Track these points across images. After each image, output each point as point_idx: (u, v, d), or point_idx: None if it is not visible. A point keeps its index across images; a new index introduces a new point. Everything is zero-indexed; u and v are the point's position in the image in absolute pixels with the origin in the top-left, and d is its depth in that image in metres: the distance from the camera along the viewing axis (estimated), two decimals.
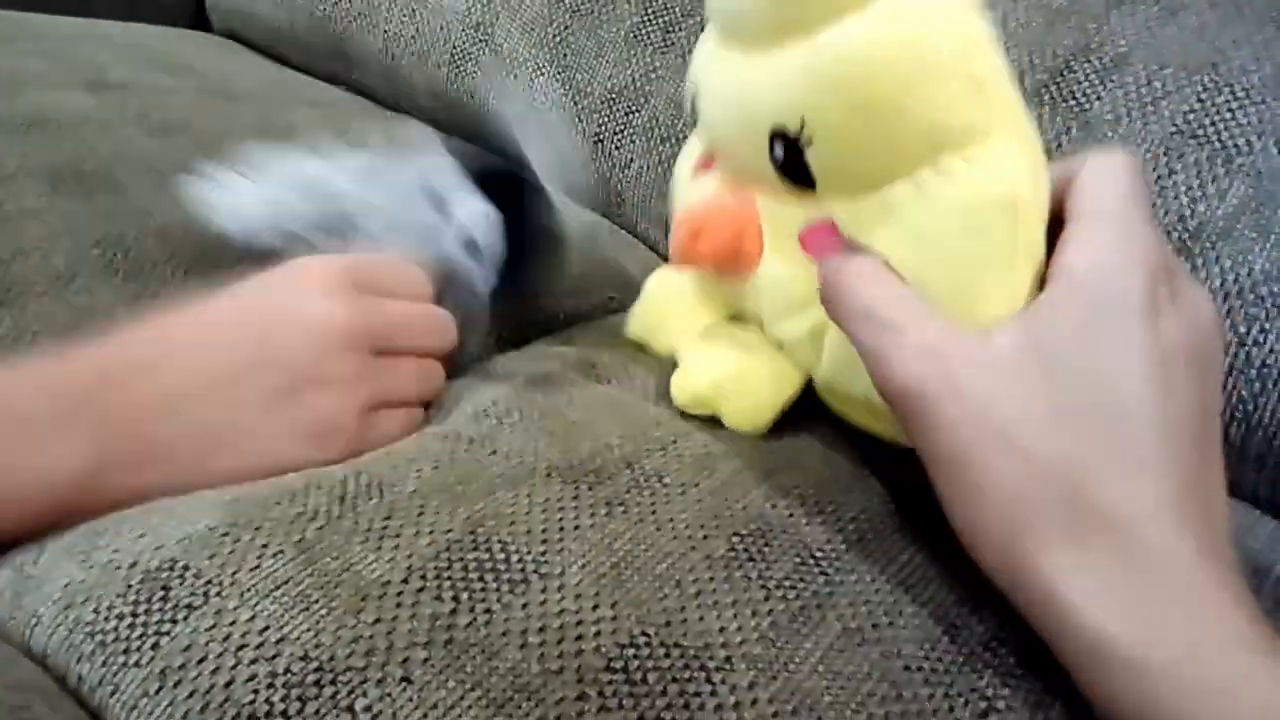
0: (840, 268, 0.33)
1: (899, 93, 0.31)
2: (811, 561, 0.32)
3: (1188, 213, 0.43)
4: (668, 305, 0.45)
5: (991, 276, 0.31)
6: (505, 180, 0.46)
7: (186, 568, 0.30)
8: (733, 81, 0.36)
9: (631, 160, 0.67)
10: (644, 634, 0.29)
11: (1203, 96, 0.44)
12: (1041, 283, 0.31)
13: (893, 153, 0.32)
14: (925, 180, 0.31)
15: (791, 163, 0.34)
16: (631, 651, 0.28)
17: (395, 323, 0.40)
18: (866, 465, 0.38)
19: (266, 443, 0.36)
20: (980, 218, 0.31)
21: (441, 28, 0.76)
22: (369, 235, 0.43)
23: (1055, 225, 0.32)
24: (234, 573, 0.30)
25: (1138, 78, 0.46)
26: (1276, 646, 0.25)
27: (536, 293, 0.47)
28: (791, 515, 0.34)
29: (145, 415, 0.35)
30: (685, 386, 0.40)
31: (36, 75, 0.59)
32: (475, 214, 0.44)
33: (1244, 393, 0.42)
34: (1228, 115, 0.44)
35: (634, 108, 0.67)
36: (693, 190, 0.41)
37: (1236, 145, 0.43)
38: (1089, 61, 0.48)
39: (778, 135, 0.34)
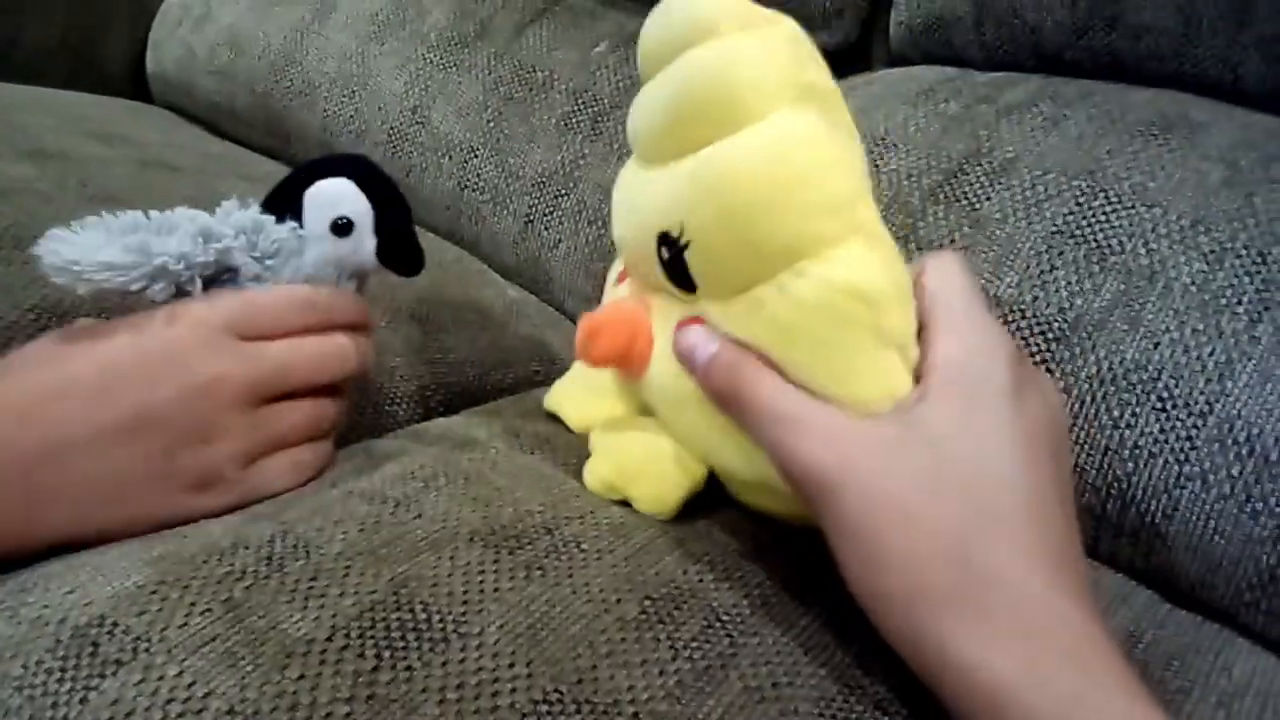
0: (722, 362, 0.36)
1: (759, 204, 0.34)
2: (718, 624, 0.35)
3: (1067, 305, 0.47)
4: (585, 390, 0.48)
5: (861, 363, 0.34)
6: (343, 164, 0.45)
7: (115, 624, 0.31)
8: (633, 192, 0.41)
9: (560, 241, 0.70)
10: (556, 691, 0.31)
11: (1080, 200, 0.49)
12: (916, 375, 0.35)
13: (757, 257, 0.35)
14: (785, 281, 0.34)
15: (675, 265, 0.38)
16: (545, 708, 0.30)
17: (281, 366, 0.40)
18: (771, 539, 0.40)
19: (151, 496, 0.37)
20: (838, 310, 0.34)
21: (379, 109, 0.79)
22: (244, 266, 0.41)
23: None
24: (162, 629, 0.31)
25: (1023, 181, 0.50)
26: (1155, 693, 0.28)
27: (415, 250, 0.46)
28: (701, 580, 0.37)
29: (32, 465, 0.36)
30: (596, 473, 0.42)
31: None
32: (326, 194, 0.43)
33: (1118, 471, 0.46)
34: (1103, 218, 0.48)
35: (563, 191, 0.70)
36: (611, 298, 0.45)
37: (1110, 245, 0.47)
38: (980, 165, 0.52)
39: (663, 239, 0.38)
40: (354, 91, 0.80)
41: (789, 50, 0.37)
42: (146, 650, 0.30)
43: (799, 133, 0.35)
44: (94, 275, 0.37)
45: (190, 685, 0.29)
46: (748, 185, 0.34)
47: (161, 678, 0.29)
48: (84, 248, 0.38)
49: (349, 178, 0.43)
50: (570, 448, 0.45)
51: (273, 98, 0.85)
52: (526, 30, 0.77)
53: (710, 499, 0.42)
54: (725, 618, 0.35)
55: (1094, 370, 0.46)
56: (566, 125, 0.72)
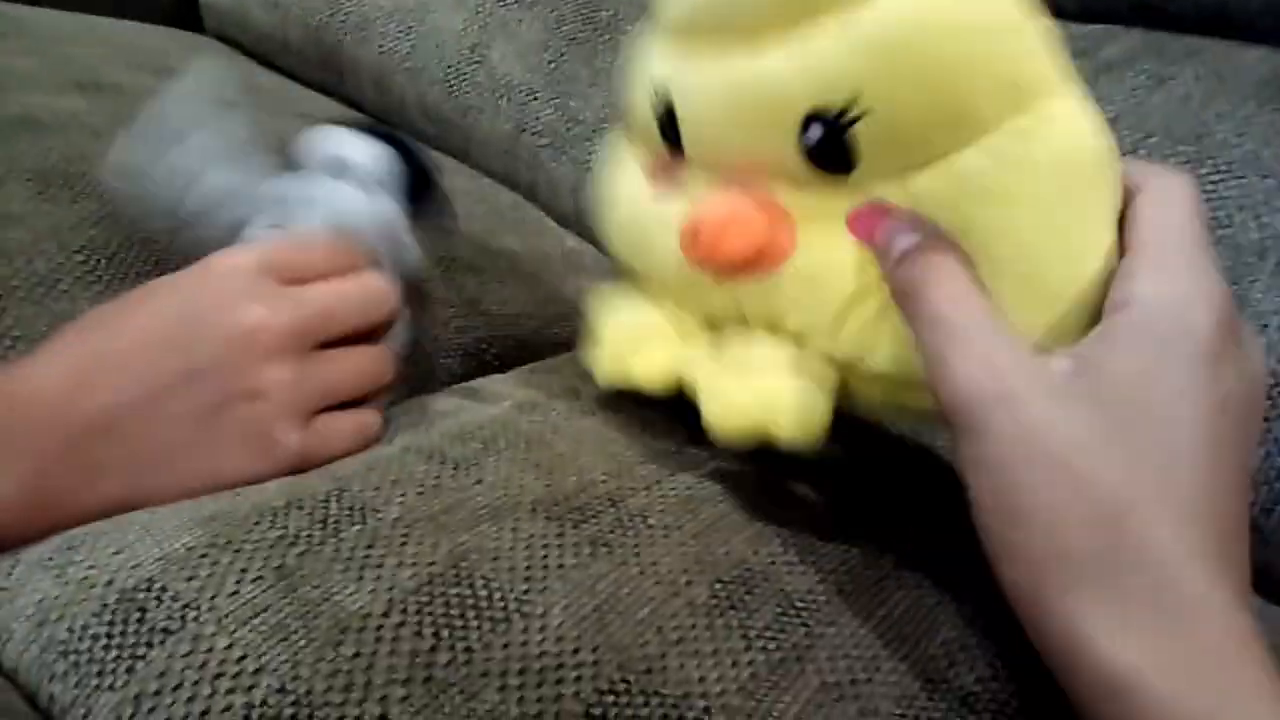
0: (914, 256, 0.31)
1: (967, 54, 0.30)
2: (793, 612, 0.33)
3: None
4: (646, 339, 0.43)
5: (1095, 236, 0.31)
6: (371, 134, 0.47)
7: (164, 589, 0.30)
8: (735, 77, 0.35)
9: None
10: (624, 680, 0.29)
11: (1186, 167, 0.45)
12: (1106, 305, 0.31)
13: (963, 117, 0.31)
14: (1000, 145, 0.31)
15: (828, 145, 0.33)
16: (611, 698, 0.28)
17: (326, 309, 0.39)
18: (846, 519, 0.38)
19: (205, 459, 0.36)
20: (1080, 175, 0.30)
21: (437, 46, 0.76)
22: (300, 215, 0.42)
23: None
24: (212, 597, 0.30)
25: (1124, 145, 0.47)
26: None
27: (453, 217, 0.47)
28: (773, 563, 0.35)
29: (81, 436, 0.34)
30: (737, 411, 0.37)
31: (27, 75, 0.58)
32: (367, 153, 0.44)
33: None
34: (1210, 187, 0.45)
35: None
36: (660, 200, 0.40)
37: (1218, 217, 0.44)
38: None
39: (813, 119, 0.33)
40: (410, 27, 0.78)
41: None
42: (195, 619, 0.29)
43: None
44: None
45: (241, 659, 0.28)
46: (951, 32, 0.30)
47: (210, 650, 0.28)
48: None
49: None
50: (633, 408, 0.43)
51: (327, 31, 0.82)
52: None
53: (777, 465, 0.39)
54: (800, 604, 0.33)
55: (1249, 325, 0.43)
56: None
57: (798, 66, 0.33)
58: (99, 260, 0.45)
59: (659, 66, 0.39)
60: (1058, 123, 0.30)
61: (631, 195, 0.42)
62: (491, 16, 0.75)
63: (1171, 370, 0.29)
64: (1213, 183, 0.45)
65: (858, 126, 0.32)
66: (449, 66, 0.76)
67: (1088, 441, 0.28)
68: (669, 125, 0.39)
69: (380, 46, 0.79)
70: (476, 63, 0.74)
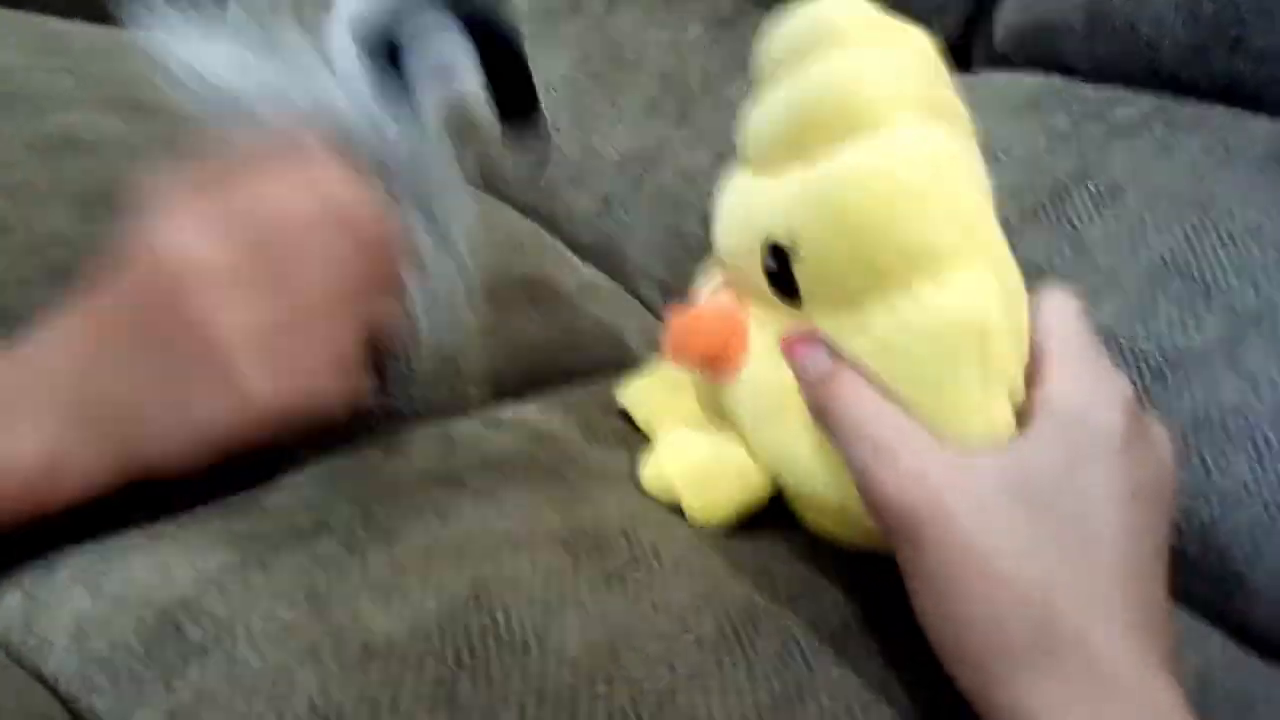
0: (827, 376, 0.34)
1: (877, 217, 0.33)
2: (796, 649, 0.34)
3: (1166, 342, 0.45)
4: (659, 389, 0.47)
5: (965, 399, 0.32)
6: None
7: (199, 608, 0.31)
8: (743, 198, 0.40)
9: (637, 224, 0.69)
10: (636, 713, 0.30)
11: (1190, 233, 0.47)
12: (1019, 412, 0.33)
13: (869, 272, 0.33)
14: (898, 303, 0.33)
15: (781, 274, 0.37)
16: None
17: (259, 212, 0.35)
18: (844, 565, 0.40)
19: (177, 405, 0.35)
20: (948, 342, 0.32)
21: None
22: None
23: None
24: (246, 617, 0.31)
25: (1130, 208, 0.49)
26: None
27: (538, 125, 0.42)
28: (777, 600, 0.36)
29: (75, 398, 0.34)
30: (655, 472, 0.41)
31: (66, 94, 0.60)
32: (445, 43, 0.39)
33: (1205, 516, 0.44)
34: (1212, 254, 0.46)
35: (644, 173, 0.70)
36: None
37: (1218, 283, 0.46)
38: (1085, 187, 0.50)
39: (771, 247, 0.37)
40: None
41: (918, 64, 0.35)
42: (230, 638, 0.30)
43: (924, 144, 0.34)
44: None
45: (273, 680, 0.29)
46: (867, 194, 0.33)
47: (244, 669, 0.29)
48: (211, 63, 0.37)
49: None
50: (647, 444, 0.45)
51: None
52: (619, 7, 0.75)
53: (778, 517, 0.40)
54: (803, 643, 0.35)
55: (1189, 410, 0.45)
56: (653, 108, 0.71)
57: (768, 201, 0.37)
58: None
59: (724, 186, 0.43)
60: (950, 292, 0.32)
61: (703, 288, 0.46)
62: None
63: (1087, 462, 0.31)
64: (1214, 249, 0.46)
65: (796, 264, 0.36)
66: None
67: (1015, 542, 0.30)
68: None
69: None
70: None
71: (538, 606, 0.33)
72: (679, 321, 0.41)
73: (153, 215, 0.35)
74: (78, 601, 0.32)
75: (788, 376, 0.36)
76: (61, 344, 0.35)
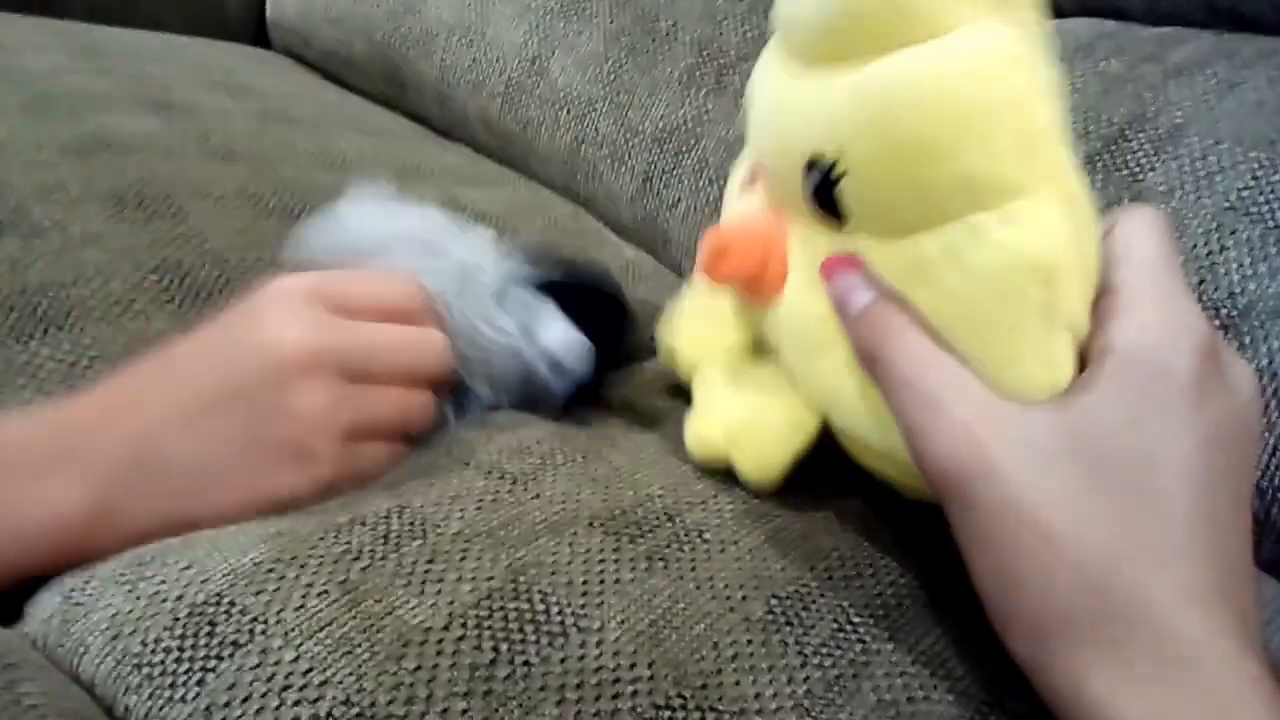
0: (871, 313, 0.32)
1: (936, 139, 0.30)
2: (849, 628, 0.33)
3: (1238, 290, 0.43)
4: (695, 323, 0.45)
5: (1026, 344, 0.30)
6: (587, 293, 0.46)
7: (233, 604, 0.31)
8: (780, 101, 0.35)
9: (679, 200, 0.68)
10: (680, 695, 0.29)
11: (1258, 174, 0.44)
12: (1082, 355, 0.30)
13: (923, 201, 0.31)
14: (956, 240, 0.30)
15: (824, 193, 0.33)
16: (667, 714, 0.29)
17: (369, 343, 0.39)
18: (901, 530, 0.38)
19: (245, 476, 0.36)
20: (1012, 283, 0.30)
21: (498, 59, 0.77)
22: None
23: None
24: (279, 611, 0.31)
25: (1193, 151, 0.46)
26: None
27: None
28: (830, 578, 0.34)
29: (134, 452, 0.35)
30: (700, 435, 0.39)
31: (102, 95, 0.60)
32: (564, 340, 0.43)
33: (1277, 477, 0.42)
34: None
35: (684, 148, 0.68)
36: (737, 206, 0.41)
37: None
38: (1144, 131, 0.48)
39: (813, 163, 0.33)
40: (472, 41, 0.79)
41: None
42: (263, 633, 0.30)
43: (996, 51, 0.29)
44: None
45: (307, 672, 0.28)
46: (928, 111, 0.29)
47: (278, 663, 0.29)
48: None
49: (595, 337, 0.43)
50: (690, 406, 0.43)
51: (390, 46, 0.84)
52: None
53: (833, 469, 0.38)
54: (856, 620, 0.33)
55: (1264, 363, 0.42)
56: (690, 79, 0.69)
57: (810, 110, 0.33)
58: (173, 280, 0.46)
59: (756, 73, 0.38)
60: (1011, 226, 0.30)
61: (730, 191, 0.43)
62: (551, 29, 0.75)
63: (1153, 415, 0.28)
64: None
65: (843, 182, 0.32)
66: (510, 79, 0.76)
67: (1070, 501, 0.28)
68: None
69: (443, 60, 0.80)
70: (537, 75, 0.75)
71: (577, 590, 0.32)
72: (713, 238, 0.37)
73: (269, 300, 0.38)
74: (113, 603, 0.32)
75: (819, 301, 0.34)
76: (130, 397, 0.36)
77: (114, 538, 0.35)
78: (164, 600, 0.31)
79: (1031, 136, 0.30)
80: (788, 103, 0.34)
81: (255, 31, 1.00)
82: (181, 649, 0.30)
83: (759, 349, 0.41)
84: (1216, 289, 0.43)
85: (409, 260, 0.43)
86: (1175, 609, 0.27)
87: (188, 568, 0.33)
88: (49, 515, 0.34)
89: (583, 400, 0.44)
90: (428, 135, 0.81)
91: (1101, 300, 0.31)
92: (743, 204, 0.40)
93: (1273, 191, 0.44)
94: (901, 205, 0.31)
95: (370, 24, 0.86)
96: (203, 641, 0.30)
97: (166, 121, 0.59)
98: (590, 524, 0.35)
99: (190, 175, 0.54)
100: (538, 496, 0.37)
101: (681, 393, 0.46)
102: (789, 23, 0.35)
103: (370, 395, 0.39)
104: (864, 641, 0.32)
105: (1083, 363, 0.30)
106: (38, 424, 0.35)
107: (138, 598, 0.32)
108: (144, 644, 0.30)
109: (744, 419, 0.38)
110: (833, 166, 0.32)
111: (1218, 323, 0.43)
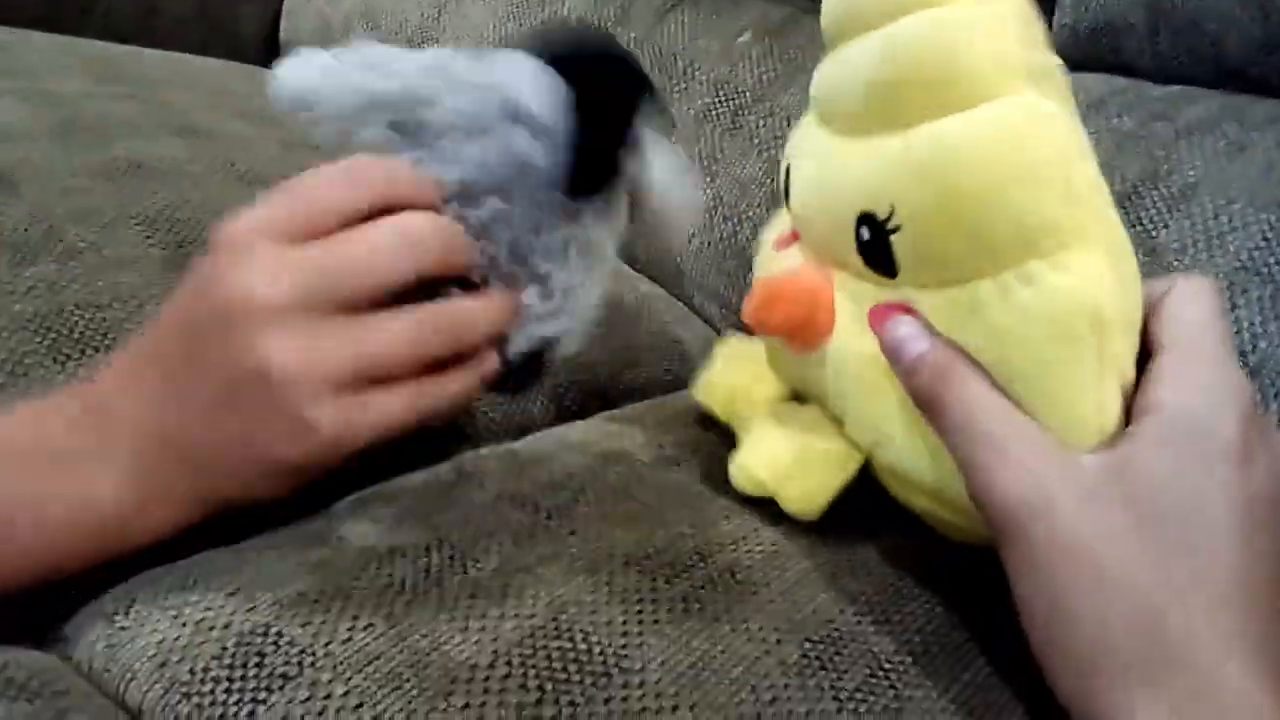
0: (929, 360, 0.33)
1: (990, 191, 0.32)
2: (881, 673, 0.33)
3: (1249, 348, 0.44)
4: (734, 373, 0.46)
5: (1078, 387, 0.31)
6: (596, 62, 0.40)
7: (280, 634, 0.31)
8: (826, 163, 0.37)
9: (693, 235, 0.69)
10: None
11: (1269, 235, 0.46)
12: (1128, 407, 0.32)
13: (979, 250, 0.32)
14: (1009, 283, 0.32)
15: (875, 247, 0.35)
16: None
17: (335, 265, 0.34)
18: (929, 571, 0.39)
19: (243, 446, 0.35)
20: (1064, 326, 0.31)
21: None
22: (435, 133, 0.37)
23: (1143, 349, 0.33)
24: (327, 643, 0.31)
25: (1205, 210, 0.47)
26: None
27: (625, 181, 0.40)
28: (860, 623, 0.35)
29: (144, 439, 0.34)
30: (746, 470, 0.40)
31: (128, 121, 0.60)
32: (522, 75, 0.37)
33: None
34: None
35: (699, 184, 0.69)
36: (773, 261, 0.42)
37: None
38: (1157, 189, 0.49)
39: (865, 219, 0.35)
40: None
41: (1020, 25, 0.33)
42: (312, 665, 0.30)
43: (1038, 114, 0.32)
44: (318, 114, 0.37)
45: (357, 707, 0.29)
46: (980, 167, 0.32)
47: (328, 696, 0.29)
48: (313, 84, 0.37)
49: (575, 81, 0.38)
50: (714, 460, 0.44)
51: None
52: (667, 17, 0.75)
53: (862, 505, 0.39)
54: (888, 665, 0.34)
55: (1274, 419, 0.43)
56: (705, 116, 0.70)
57: (862, 168, 0.35)
58: None
59: (795, 138, 0.41)
60: (1066, 273, 0.31)
61: (764, 246, 0.44)
62: None
63: (1200, 473, 0.30)
64: None
65: (895, 237, 0.34)
66: None
67: (1123, 544, 0.29)
68: (784, 193, 0.41)
69: None
70: None
71: (617, 631, 0.33)
72: (764, 289, 0.39)
73: (218, 251, 0.35)
74: (159, 629, 0.33)
75: (869, 346, 0.36)
76: (128, 380, 0.36)
77: (150, 527, 0.35)
78: (211, 628, 0.32)
79: (1078, 188, 0.32)
80: (833, 168, 0.37)
81: (268, 53, 1.00)
82: (231, 679, 0.30)
83: (795, 396, 0.43)
84: None
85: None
86: (1220, 657, 0.28)
87: (233, 593, 0.33)
88: (89, 507, 0.34)
89: (593, 183, 0.39)
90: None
91: (1155, 357, 0.32)
92: (782, 260, 0.41)
93: None
94: (953, 255, 0.33)
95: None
96: (252, 672, 0.30)
97: (192, 147, 0.59)
98: (625, 563, 0.36)
99: (219, 200, 0.54)
100: (573, 533, 0.37)
101: (708, 427, 0.47)
102: (835, 93, 0.37)
103: (360, 328, 0.34)
104: (895, 688, 0.33)
105: (1127, 416, 0.32)
106: (55, 413, 0.35)
107: (184, 624, 0.32)
108: (192, 672, 0.31)
109: (790, 455, 0.39)
110: (885, 221, 0.34)
111: None
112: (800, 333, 0.39)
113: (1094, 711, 0.29)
